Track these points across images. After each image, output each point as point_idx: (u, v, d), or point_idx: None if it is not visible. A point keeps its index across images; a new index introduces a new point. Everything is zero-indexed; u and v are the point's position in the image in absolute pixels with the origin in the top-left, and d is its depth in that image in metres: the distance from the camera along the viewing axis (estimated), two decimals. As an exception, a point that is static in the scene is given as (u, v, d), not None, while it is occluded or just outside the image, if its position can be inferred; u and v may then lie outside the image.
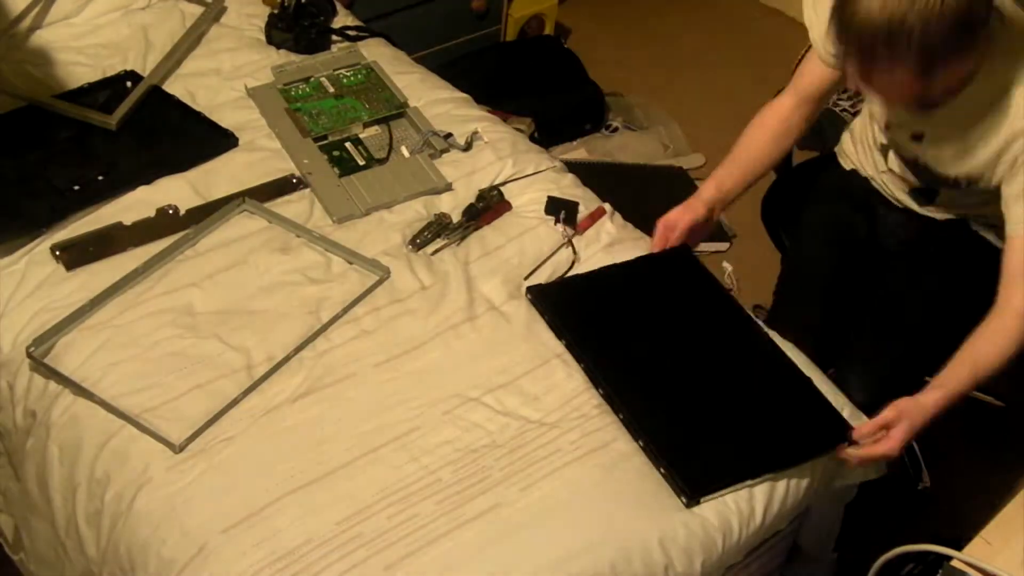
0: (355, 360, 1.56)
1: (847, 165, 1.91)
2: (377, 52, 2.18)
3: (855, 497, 1.67)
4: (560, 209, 1.83)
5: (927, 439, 1.65)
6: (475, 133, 1.96)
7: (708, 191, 1.76)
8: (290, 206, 1.80)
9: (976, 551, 1.27)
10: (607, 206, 1.86)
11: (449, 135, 1.96)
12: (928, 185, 1.73)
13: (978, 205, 1.70)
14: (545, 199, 1.84)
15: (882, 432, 1.48)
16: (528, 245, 1.77)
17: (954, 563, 1.26)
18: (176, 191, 1.79)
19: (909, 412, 1.47)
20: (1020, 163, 1.48)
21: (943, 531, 1.39)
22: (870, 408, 1.56)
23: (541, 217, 1.82)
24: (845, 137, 1.93)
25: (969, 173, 1.58)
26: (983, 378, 1.49)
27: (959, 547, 1.27)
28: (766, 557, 1.64)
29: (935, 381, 1.50)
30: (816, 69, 1.71)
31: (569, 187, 1.90)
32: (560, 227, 1.80)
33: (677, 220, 1.73)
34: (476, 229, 1.79)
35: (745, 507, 1.45)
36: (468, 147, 1.95)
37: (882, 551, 1.31)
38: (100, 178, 1.78)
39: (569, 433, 1.49)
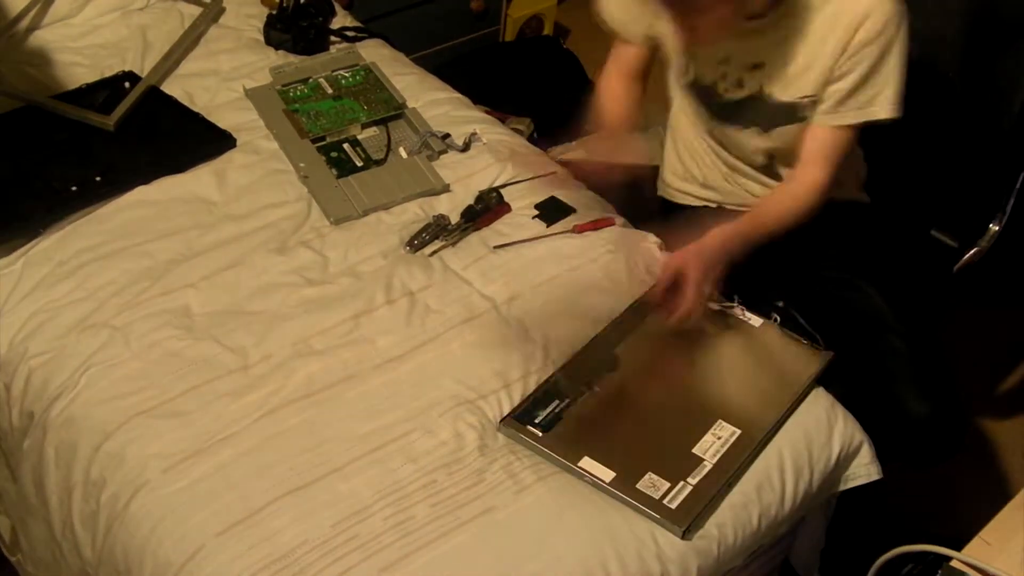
0: (353, 362, 1.55)
1: (688, 201, 1.92)
2: (376, 53, 2.17)
3: (854, 498, 1.66)
4: (553, 209, 1.83)
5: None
6: (473, 134, 1.96)
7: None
8: (287, 207, 1.79)
9: (975, 551, 1.27)
10: (617, 218, 1.86)
11: (447, 136, 1.95)
12: (772, 125, 1.72)
13: None
14: (539, 204, 1.84)
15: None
16: (528, 247, 1.77)
17: (953, 563, 1.25)
18: (174, 192, 1.79)
19: (689, 261, 1.57)
20: (859, 55, 1.56)
21: (942, 531, 1.39)
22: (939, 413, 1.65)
23: (543, 224, 1.82)
24: (669, 177, 1.94)
25: (815, 86, 1.62)
26: (762, 229, 1.65)
27: (958, 547, 1.27)
28: (763, 560, 1.63)
29: (720, 236, 1.61)
30: (631, 51, 1.82)
31: (568, 189, 1.90)
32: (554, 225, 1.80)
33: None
34: (475, 231, 1.79)
35: (742, 512, 1.45)
36: (466, 148, 1.95)
37: (881, 551, 1.30)
38: (98, 179, 1.78)
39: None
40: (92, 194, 1.75)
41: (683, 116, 1.87)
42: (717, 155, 1.83)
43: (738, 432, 1.50)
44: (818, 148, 1.66)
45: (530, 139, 2.58)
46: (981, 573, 1.24)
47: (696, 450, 1.47)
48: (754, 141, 1.74)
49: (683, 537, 1.39)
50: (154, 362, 1.52)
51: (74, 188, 1.75)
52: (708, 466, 1.45)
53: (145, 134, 1.89)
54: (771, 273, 1.77)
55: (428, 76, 2.16)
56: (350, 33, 2.21)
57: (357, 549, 1.32)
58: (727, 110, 1.73)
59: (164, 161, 1.83)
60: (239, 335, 1.57)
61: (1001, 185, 1.88)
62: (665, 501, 1.41)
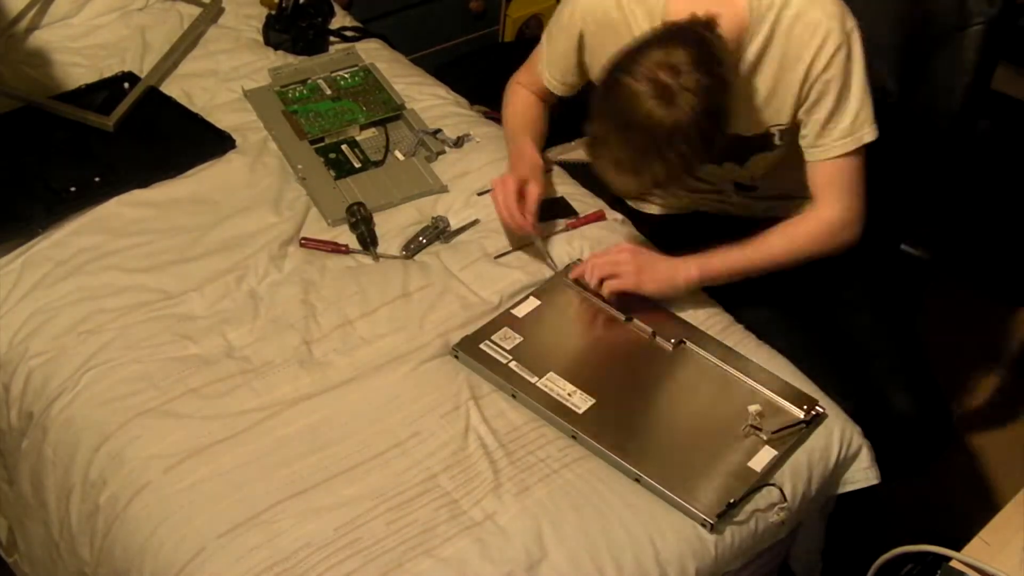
0: (354, 365, 1.55)
1: (650, 209, 1.92)
2: (375, 53, 2.17)
3: (854, 498, 1.66)
4: (551, 208, 1.83)
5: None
6: (466, 135, 1.96)
7: (533, 159, 1.78)
8: (285, 208, 1.79)
9: (975, 551, 1.27)
10: (607, 210, 1.85)
11: (439, 131, 1.95)
12: (747, 156, 1.72)
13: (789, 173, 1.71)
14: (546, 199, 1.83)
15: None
16: (527, 248, 1.77)
17: (953, 563, 1.25)
18: (173, 193, 1.79)
19: (629, 248, 1.66)
20: (824, 82, 1.56)
21: (942, 531, 1.39)
22: (924, 414, 1.66)
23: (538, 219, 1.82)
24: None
25: (783, 116, 1.62)
26: (761, 265, 1.66)
27: (958, 547, 1.27)
28: (761, 562, 1.63)
29: (701, 259, 1.64)
30: (547, 86, 1.81)
31: (567, 188, 1.90)
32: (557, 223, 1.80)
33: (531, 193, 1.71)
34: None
35: (740, 515, 1.44)
36: (459, 143, 1.94)
37: (881, 551, 1.31)
38: (97, 179, 1.78)
39: (560, 439, 1.49)
40: (91, 194, 1.75)
41: None
42: (688, 185, 1.82)
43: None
44: (823, 183, 1.64)
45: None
46: (980, 573, 1.24)
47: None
48: (732, 174, 1.75)
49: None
50: (154, 363, 1.52)
51: (73, 188, 1.75)
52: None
53: (144, 135, 1.89)
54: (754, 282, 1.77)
55: (427, 76, 2.16)
56: (349, 33, 2.21)
57: (359, 553, 1.32)
58: None
59: (163, 162, 1.83)
60: (239, 337, 1.57)
61: (944, 185, 1.90)
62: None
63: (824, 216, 1.65)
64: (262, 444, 1.43)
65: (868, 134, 1.61)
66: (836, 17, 1.54)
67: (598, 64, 1.63)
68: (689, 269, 1.64)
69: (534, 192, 1.71)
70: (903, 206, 1.93)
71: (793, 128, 1.64)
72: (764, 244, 1.66)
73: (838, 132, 1.60)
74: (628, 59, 1.44)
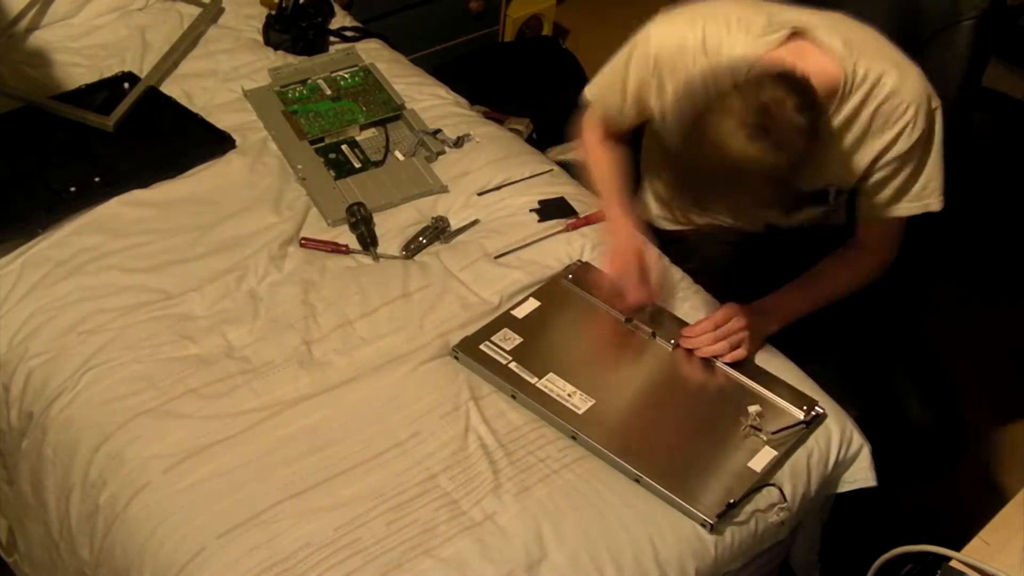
0: (354, 365, 1.55)
1: (668, 225, 1.87)
2: (375, 53, 2.17)
3: (854, 498, 1.66)
4: (551, 209, 1.83)
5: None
6: (466, 136, 1.96)
7: (628, 220, 1.70)
8: (285, 208, 1.79)
9: (975, 551, 1.27)
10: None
11: (439, 131, 1.95)
12: (796, 209, 1.68)
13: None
14: (537, 203, 1.84)
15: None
16: (526, 249, 1.77)
17: (953, 563, 1.25)
18: (173, 193, 1.79)
19: (753, 324, 1.60)
20: (907, 155, 1.54)
21: (942, 531, 1.39)
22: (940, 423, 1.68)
23: (537, 219, 1.82)
24: (648, 201, 1.88)
25: (850, 179, 1.60)
26: (815, 308, 1.67)
27: (958, 547, 1.27)
28: (761, 562, 1.63)
29: (779, 311, 1.65)
30: (619, 125, 1.74)
31: (567, 188, 1.90)
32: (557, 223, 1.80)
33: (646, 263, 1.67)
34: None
35: (739, 515, 1.44)
36: (459, 143, 1.95)
37: (881, 551, 1.31)
38: (97, 179, 1.78)
39: (560, 440, 1.49)
40: (91, 195, 1.75)
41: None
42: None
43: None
44: (879, 239, 1.67)
45: (529, 139, 2.58)
46: (980, 573, 1.24)
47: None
48: (773, 218, 1.69)
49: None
50: (154, 363, 1.52)
51: (73, 189, 1.75)
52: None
53: (144, 135, 1.89)
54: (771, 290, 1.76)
55: (427, 77, 2.16)
56: (349, 33, 2.21)
57: (359, 553, 1.32)
58: None
59: (163, 162, 1.83)
60: (239, 337, 1.57)
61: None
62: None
63: (879, 261, 1.68)
64: (262, 444, 1.43)
65: (935, 204, 1.60)
66: (924, 99, 1.52)
67: (668, 102, 1.58)
68: (770, 324, 1.65)
69: (650, 261, 1.67)
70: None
71: (850, 189, 1.63)
72: (818, 287, 1.68)
73: (905, 199, 1.60)
74: (721, 96, 1.36)
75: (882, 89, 1.51)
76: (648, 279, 1.65)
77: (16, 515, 1.63)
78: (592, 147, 1.78)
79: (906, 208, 1.60)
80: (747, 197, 1.38)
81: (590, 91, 1.74)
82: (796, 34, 1.50)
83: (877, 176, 1.57)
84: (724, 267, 1.78)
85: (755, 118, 1.31)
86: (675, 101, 1.47)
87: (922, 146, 1.55)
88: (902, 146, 1.53)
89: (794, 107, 1.33)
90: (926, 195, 1.59)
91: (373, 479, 1.41)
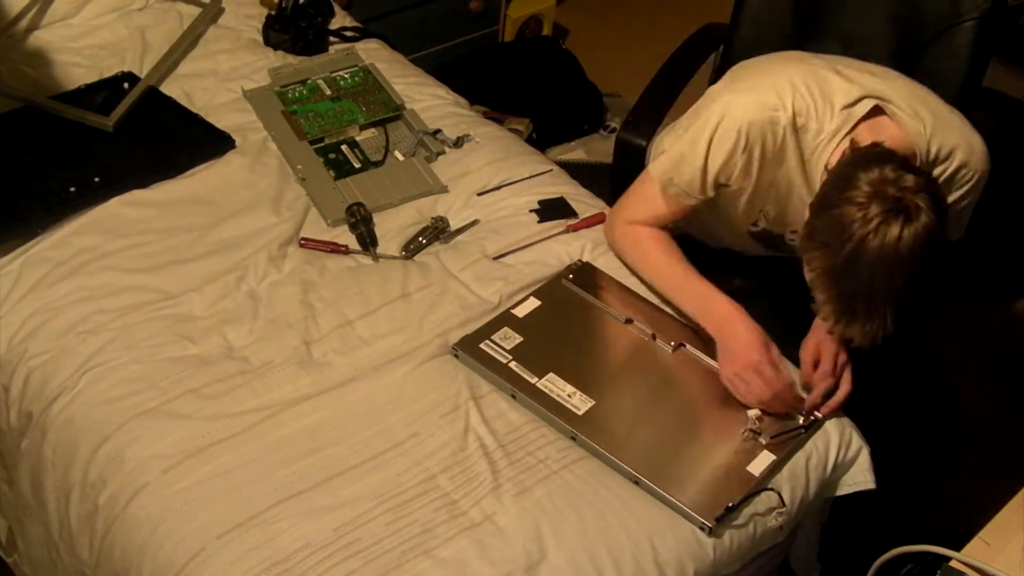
0: (354, 365, 1.55)
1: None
2: (375, 53, 2.17)
3: (854, 498, 1.66)
4: (551, 209, 1.83)
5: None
6: (466, 136, 1.96)
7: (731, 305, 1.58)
8: (285, 209, 1.79)
9: (975, 552, 1.27)
10: (608, 211, 1.85)
11: (438, 131, 1.95)
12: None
13: None
14: (537, 203, 1.84)
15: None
16: (527, 249, 1.77)
17: (953, 563, 1.25)
18: (173, 193, 1.79)
19: (833, 350, 1.54)
20: (958, 207, 1.57)
21: (942, 531, 1.39)
22: (940, 426, 1.69)
23: (536, 220, 1.82)
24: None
25: None
26: None
27: (958, 547, 1.27)
28: (760, 563, 1.63)
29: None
30: (682, 210, 1.62)
31: (567, 188, 1.90)
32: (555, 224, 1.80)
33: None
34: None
35: (738, 518, 1.44)
36: (459, 143, 1.95)
37: (881, 551, 1.31)
38: (97, 179, 1.77)
39: (559, 440, 1.49)
40: (91, 195, 1.75)
41: (725, 233, 1.78)
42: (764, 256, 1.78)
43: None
44: None
45: (529, 139, 2.58)
46: (980, 573, 1.24)
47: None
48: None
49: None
50: (154, 363, 1.52)
51: (72, 189, 1.75)
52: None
53: (144, 135, 1.89)
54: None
55: (427, 77, 2.16)
56: (349, 34, 2.21)
57: (358, 553, 1.32)
58: (791, 248, 1.67)
59: (163, 162, 1.83)
60: (239, 337, 1.57)
61: None
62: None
63: None
64: (261, 444, 1.43)
65: (956, 235, 1.63)
66: (986, 167, 1.56)
67: (746, 186, 1.56)
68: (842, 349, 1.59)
69: (785, 366, 1.57)
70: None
71: None
72: None
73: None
74: (834, 192, 1.34)
75: (952, 163, 1.53)
76: (782, 364, 1.55)
77: (16, 515, 1.63)
78: (645, 241, 1.65)
79: None
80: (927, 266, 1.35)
81: (658, 170, 1.60)
82: (875, 106, 1.49)
83: None
84: (772, 286, 1.78)
85: (891, 201, 1.30)
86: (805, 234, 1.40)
87: (974, 197, 1.59)
88: (963, 203, 1.58)
89: (914, 181, 1.32)
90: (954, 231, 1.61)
91: (373, 479, 1.41)
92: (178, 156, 1.85)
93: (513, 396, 1.53)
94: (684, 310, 1.63)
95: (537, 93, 2.92)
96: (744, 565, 1.51)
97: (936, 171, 1.52)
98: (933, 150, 1.51)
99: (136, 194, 1.77)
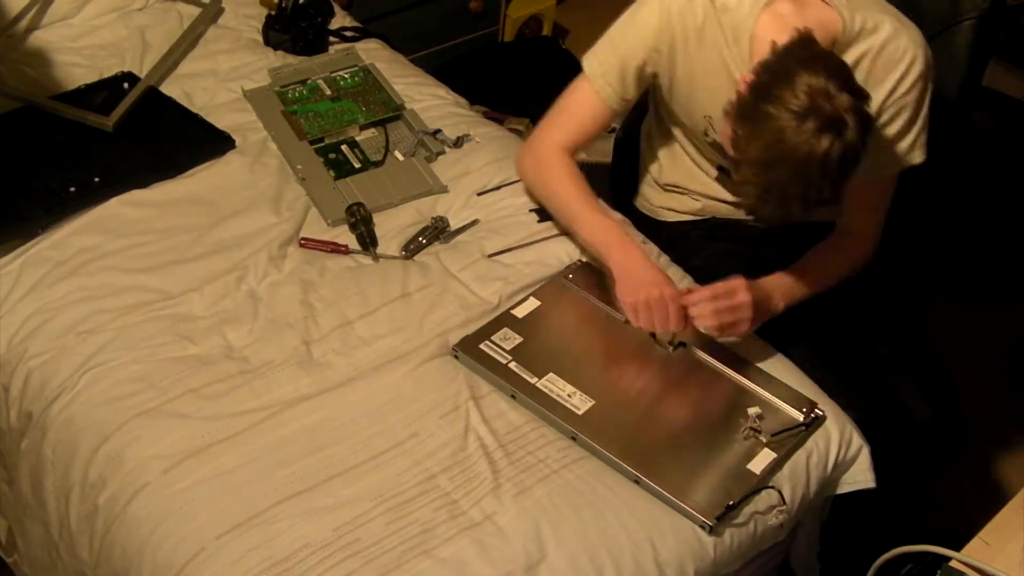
0: (354, 365, 1.55)
1: (672, 217, 1.88)
2: (375, 53, 2.17)
3: (854, 498, 1.66)
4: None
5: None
6: (466, 136, 1.96)
7: (635, 243, 1.66)
8: (285, 209, 1.79)
9: (974, 552, 1.27)
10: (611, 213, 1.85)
11: (438, 131, 1.95)
12: None
13: None
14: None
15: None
16: (527, 249, 1.77)
17: (952, 563, 1.25)
18: (173, 193, 1.79)
19: (756, 300, 1.56)
20: (902, 104, 1.57)
21: (942, 531, 1.39)
22: (941, 420, 1.67)
23: (536, 220, 1.81)
24: (651, 194, 1.90)
25: None
26: (819, 290, 1.66)
27: (958, 547, 1.27)
28: (760, 562, 1.63)
29: (782, 290, 1.62)
30: (601, 118, 1.68)
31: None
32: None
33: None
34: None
35: (738, 517, 1.44)
36: (459, 143, 1.94)
37: (881, 551, 1.31)
38: (97, 179, 1.77)
39: (559, 440, 1.49)
40: (91, 195, 1.75)
41: (682, 149, 1.81)
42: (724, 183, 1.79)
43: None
44: (867, 201, 1.67)
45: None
46: (980, 573, 1.24)
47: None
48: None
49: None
50: (154, 364, 1.52)
51: (72, 189, 1.75)
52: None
53: (144, 135, 1.89)
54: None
55: (427, 77, 2.16)
56: (349, 34, 2.21)
57: (358, 553, 1.32)
58: None
59: (163, 162, 1.83)
60: (239, 337, 1.57)
61: (942, 181, 1.91)
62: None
63: (869, 231, 1.70)
64: (261, 444, 1.43)
65: (918, 156, 1.63)
66: (921, 45, 1.55)
67: (677, 76, 1.60)
68: (777, 303, 1.62)
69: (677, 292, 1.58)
70: (902, 206, 1.94)
71: None
72: (812, 274, 1.66)
73: (896, 151, 1.61)
74: (772, 87, 1.37)
75: (880, 35, 1.53)
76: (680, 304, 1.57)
77: (16, 515, 1.63)
78: (554, 162, 1.70)
79: (894, 162, 1.62)
80: (844, 180, 1.40)
81: (589, 65, 1.67)
82: None
83: (878, 126, 1.58)
84: (728, 265, 1.78)
85: (818, 112, 1.34)
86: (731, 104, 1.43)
87: (919, 93, 1.57)
88: (902, 88, 1.56)
89: (839, 87, 1.35)
90: (913, 149, 1.62)
91: (372, 479, 1.41)
92: (178, 156, 1.85)
93: (513, 396, 1.53)
94: (584, 241, 1.69)
95: (537, 93, 2.91)
96: (744, 564, 1.51)
97: (863, 46, 1.53)
98: (858, 21, 1.52)
99: (136, 194, 1.77)
